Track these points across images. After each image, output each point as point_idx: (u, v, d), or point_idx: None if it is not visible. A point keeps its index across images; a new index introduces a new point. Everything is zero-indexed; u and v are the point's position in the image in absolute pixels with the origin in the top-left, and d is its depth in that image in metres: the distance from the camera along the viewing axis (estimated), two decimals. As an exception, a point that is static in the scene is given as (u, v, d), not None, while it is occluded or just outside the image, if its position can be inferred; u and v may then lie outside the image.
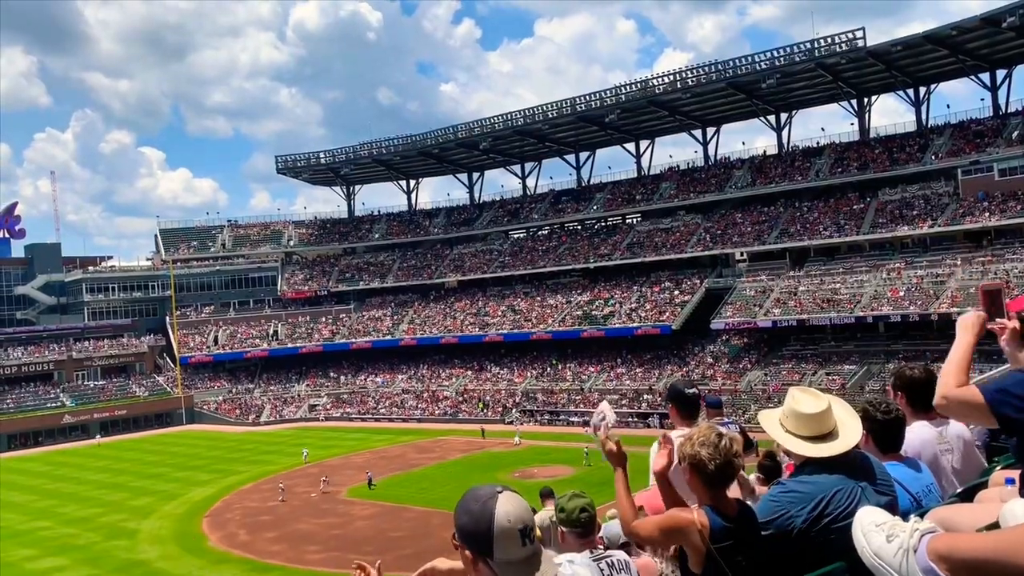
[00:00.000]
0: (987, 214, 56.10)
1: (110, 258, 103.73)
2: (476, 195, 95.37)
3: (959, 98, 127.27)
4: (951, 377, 2.58)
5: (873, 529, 2.02)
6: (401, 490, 44.56)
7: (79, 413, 76.41)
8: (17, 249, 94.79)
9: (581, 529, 3.60)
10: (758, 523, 2.78)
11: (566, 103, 75.82)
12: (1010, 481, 2.73)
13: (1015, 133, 58.85)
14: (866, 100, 70.55)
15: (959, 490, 3.27)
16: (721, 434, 2.85)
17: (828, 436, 2.84)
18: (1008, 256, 54.07)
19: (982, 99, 64.98)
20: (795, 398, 2.93)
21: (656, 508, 3.95)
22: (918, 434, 3.54)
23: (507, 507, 2.07)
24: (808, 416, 2.85)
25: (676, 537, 2.82)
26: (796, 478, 2.84)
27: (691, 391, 4.82)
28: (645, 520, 3.06)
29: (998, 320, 3.44)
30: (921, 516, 2.17)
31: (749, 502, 4.45)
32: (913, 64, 62.92)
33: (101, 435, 73.58)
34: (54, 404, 77.40)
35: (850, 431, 2.88)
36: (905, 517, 2.88)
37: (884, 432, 3.28)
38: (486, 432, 60.46)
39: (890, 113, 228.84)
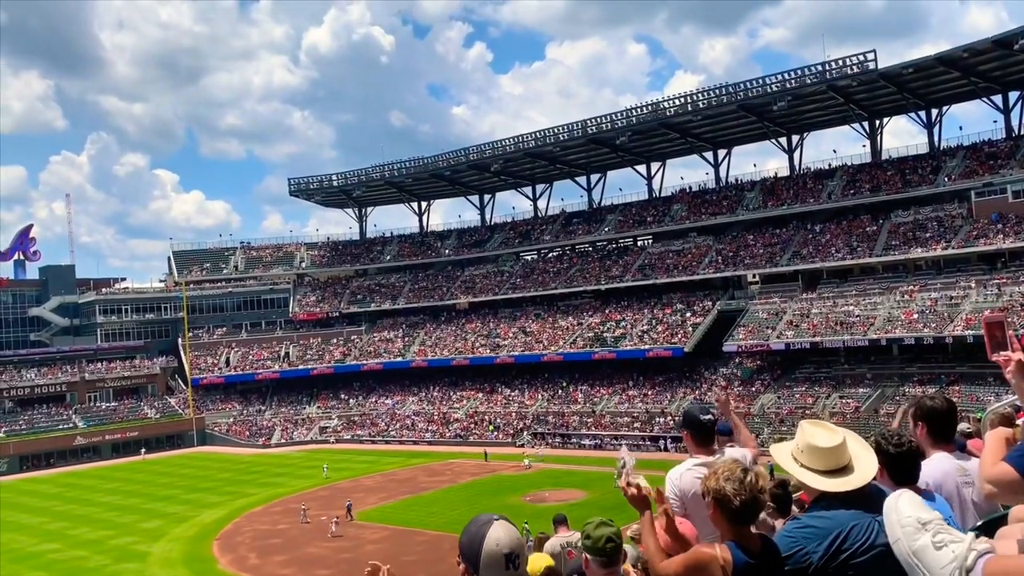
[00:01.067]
0: (1001, 236, 55.75)
1: (123, 280, 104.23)
2: (487, 217, 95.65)
3: (971, 120, 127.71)
4: (985, 467, 2.55)
5: (915, 526, 1.96)
6: (411, 514, 44.33)
7: (91, 435, 76.58)
8: (32, 271, 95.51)
9: (605, 559, 3.53)
10: (782, 558, 2.72)
11: (577, 125, 76.09)
12: None
13: (1028, 155, 58.58)
14: (878, 122, 70.50)
15: (979, 523, 3.20)
16: (747, 469, 2.81)
17: (844, 470, 2.80)
18: (1023, 278, 53.64)
19: (995, 121, 64.98)
20: (808, 432, 2.90)
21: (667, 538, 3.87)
22: (939, 466, 3.47)
23: (498, 533, 2.39)
24: (824, 450, 2.81)
25: (700, 573, 2.77)
26: (811, 513, 2.80)
27: (707, 417, 4.67)
28: (671, 560, 3.02)
29: (1002, 352, 3.39)
30: (978, 534, 2.11)
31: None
32: (925, 86, 62.87)
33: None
34: (66, 425, 77.61)
35: (866, 464, 2.85)
36: None
37: (898, 465, 3.23)
38: (489, 455, 60.29)
39: (902, 135, 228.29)
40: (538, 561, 4.52)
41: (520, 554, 2.40)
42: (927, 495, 3.27)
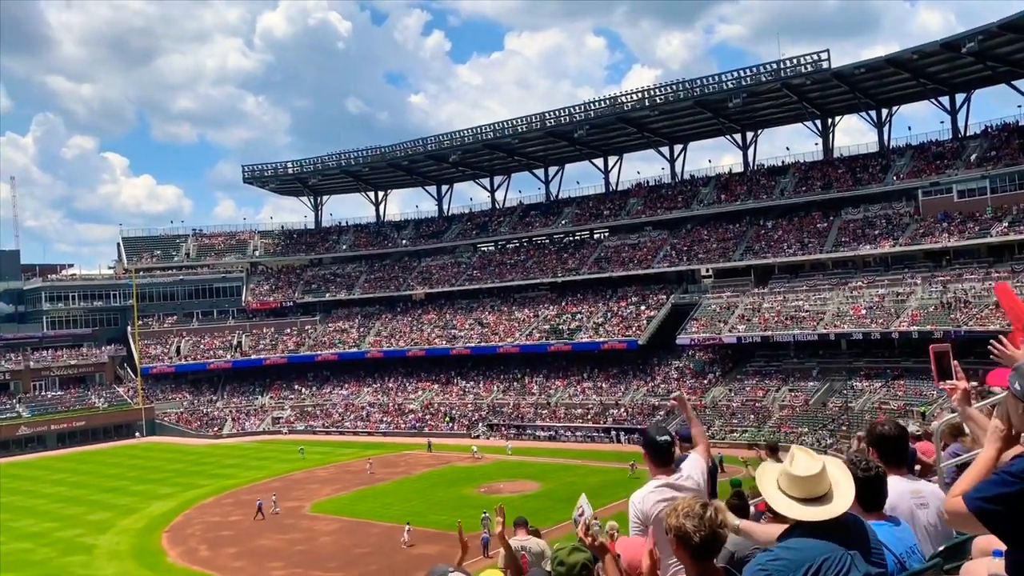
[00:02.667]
0: (946, 235, 57.26)
1: (71, 266, 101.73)
2: (445, 208, 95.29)
3: (920, 120, 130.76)
4: (955, 489, 2.61)
5: None
6: (365, 505, 44.18)
7: (36, 424, 74.77)
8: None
9: None
10: None
11: (535, 118, 76.20)
12: (997, 554, 2.74)
13: (973, 156, 60.24)
14: (830, 120, 71.81)
15: (940, 549, 3.29)
16: (706, 504, 2.84)
17: (822, 499, 2.81)
18: (966, 276, 55.21)
19: (942, 122, 66.52)
20: (792, 457, 2.91)
21: (630, 557, 3.96)
22: (893, 487, 3.56)
23: None
24: (800, 478, 2.81)
25: None
26: (783, 544, 2.81)
27: (663, 439, 4.63)
28: None
29: (948, 381, 3.50)
30: (941, 562, 2.16)
31: (731, 541, 4.49)
32: (876, 86, 64.20)
33: (140, 434, 76.08)
34: (10, 415, 75.62)
35: (844, 493, 2.84)
36: None
37: (865, 490, 3.24)
38: (434, 446, 60.67)
39: (853, 133, 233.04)
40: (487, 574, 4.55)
41: None
42: (892, 520, 3.36)
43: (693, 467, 4.58)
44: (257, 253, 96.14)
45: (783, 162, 73.88)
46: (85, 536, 41.14)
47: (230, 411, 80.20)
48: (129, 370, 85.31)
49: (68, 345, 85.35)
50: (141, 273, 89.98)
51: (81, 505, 48.67)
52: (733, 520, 3.94)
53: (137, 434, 76.70)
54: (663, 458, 4.61)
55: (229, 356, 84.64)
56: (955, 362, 3.60)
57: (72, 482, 57.00)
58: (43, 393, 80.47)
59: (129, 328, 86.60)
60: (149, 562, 36.02)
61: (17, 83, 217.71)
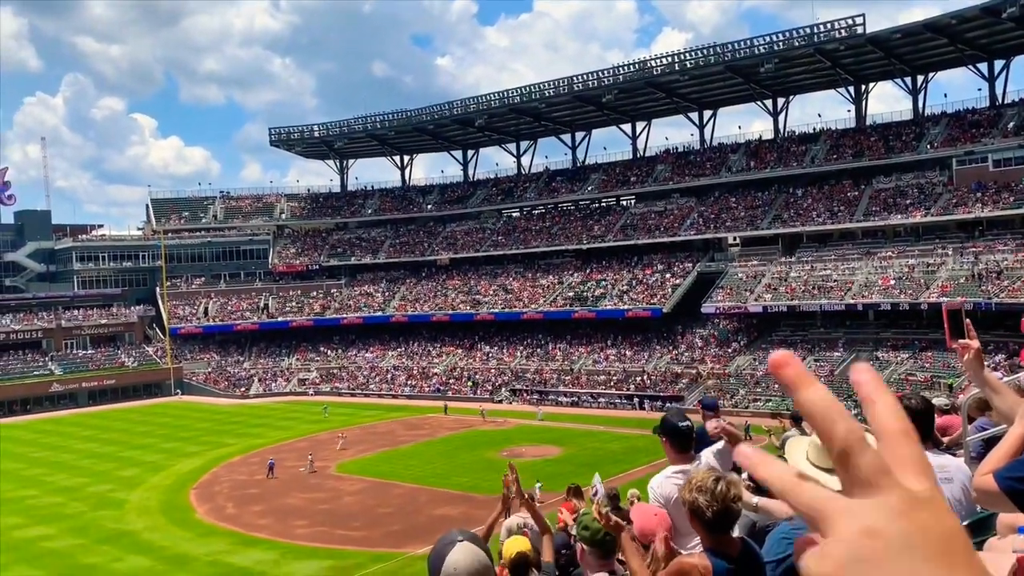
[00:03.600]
0: (980, 205, 56.23)
1: (101, 226, 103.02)
2: (470, 172, 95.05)
3: (956, 87, 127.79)
4: (984, 466, 2.54)
5: None
6: (388, 466, 44.72)
7: (67, 382, 76.26)
8: (7, 215, 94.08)
9: (601, 550, 3.59)
10: (762, 562, 2.76)
11: (563, 82, 75.44)
12: (1023, 530, 2.69)
13: (1011, 124, 58.91)
14: (864, 87, 70.45)
15: (964, 524, 3.23)
16: (719, 478, 2.83)
17: None
18: (999, 247, 54.26)
19: (979, 89, 65.18)
20: None
21: (641, 525, 3.96)
22: None
23: (457, 556, 2.39)
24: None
25: None
26: None
27: (684, 424, 4.62)
28: None
29: (960, 340, 3.43)
30: None
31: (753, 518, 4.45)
32: (912, 52, 62.77)
33: (181, 392, 77.37)
34: (42, 372, 77.19)
35: None
36: None
37: None
38: (454, 410, 60.99)
39: (887, 100, 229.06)
40: (512, 545, 4.59)
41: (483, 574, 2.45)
42: None
43: (711, 456, 4.54)
44: (284, 216, 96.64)
45: (814, 129, 72.72)
46: (116, 491, 42.04)
47: (257, 372, 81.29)
48: (158, 330, 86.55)
49: (98, 305, 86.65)
50: (169, 234, 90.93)
51: (111, 461, 49.70)
52: (750, 498, 3.91)
53: (179, 392, 78.10)
54: (683, 444, 4.59)
55: (256, 318, 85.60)
56: (968, 321, 3.51)
57: (103, 439, 58.18)
58: (74, 351, 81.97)
59: (157, 289, 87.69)
60: (177, 518, 36.78)
61: (47, 43, 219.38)
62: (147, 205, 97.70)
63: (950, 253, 56.05)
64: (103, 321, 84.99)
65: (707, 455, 4.59)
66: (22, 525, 36.55)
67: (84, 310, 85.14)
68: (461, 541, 2.43)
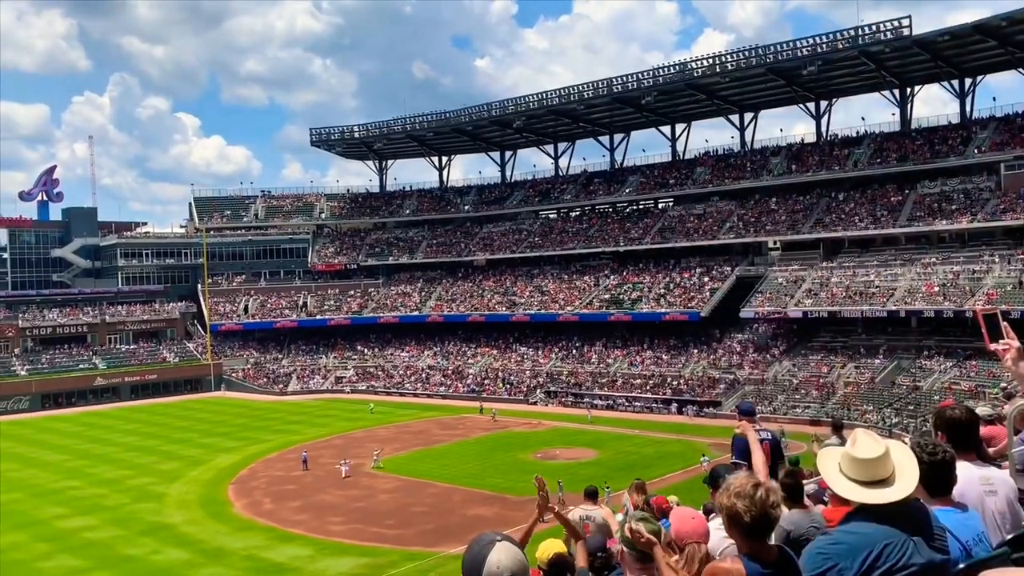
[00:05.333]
0: (1029, 211, 54.84)
1: (144, 224, 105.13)
2: (508, 174, 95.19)
3: (1006, 91, 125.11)
4: None
5: None
6: (423, 465, 44.92)
7: (111, 376, 77.83)
8: (55, 212, 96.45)
9: (639, 553, 3.58)
10: (798, 570, 2.71)
11: (602, 83, 75.18)
12: None
13: (1062, 129, 57.40)
14: (909, 90, 69.20)
15: (1008, 537, 3.14)
16: (758, 484, 2.79)
17: (883, 482, 2.72)
18: (1048, 255, 52.92)
19: (1030, 92, 63.39)
20: (854, 439, 2.82)
21: (677, 528, 3.92)
22: (961, 473, 3.40)
23: (499, 556, 2.39)
24: (862, 461, 2.73)
25: None
26: (843, 528, 2.72)
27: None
28: None
29: (1001, 341, 3.32)
30: (970, 568, 2.08)
31: (787, 520, 4.39)
32: (959, 54, 61.50)
33: (224, 388, 78.07)
34: (87, 366, 78.85)
35: (907, 478, 2.74)
36: (954, 566, 2.79)
37: (931, 475, 3.09)
38: (489, 410, 60.84)
39: (933, 103, 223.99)
40: (549, 547, 4.58)
41: (521, 574, 2.43)
42: (959, 506, 3.22)
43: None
44: (323, 215, 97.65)
45: (858, 132, 71.58)
46: (156, 484, 42.77)
47: (295, 369, 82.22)
48: (199, 326, 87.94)
49: (141, 301, 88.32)
50: (211, 232, 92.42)
51: (152, 455, 50.60)
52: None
53: (223, 387, 79.42)
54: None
55: (295, 316, 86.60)
56: (1005, 323, 3.44)
57: (144, 432, 59.27)
58: (118, 346, 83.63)
59: (199, 286, 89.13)
60: (216, 512, 37.31)
61: (95, 43, 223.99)
62: (190, 203, 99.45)
63: (997, 260, 54.80)
64: (146, 317, 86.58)
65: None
66: (65, 515, 37.37)
67: (128, 306, 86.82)
68: (500, 540, 2.43)
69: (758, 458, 5.37)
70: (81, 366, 78.67)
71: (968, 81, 66.10)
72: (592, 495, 8.05)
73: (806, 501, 5.26)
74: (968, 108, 66.20)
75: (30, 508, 38.92)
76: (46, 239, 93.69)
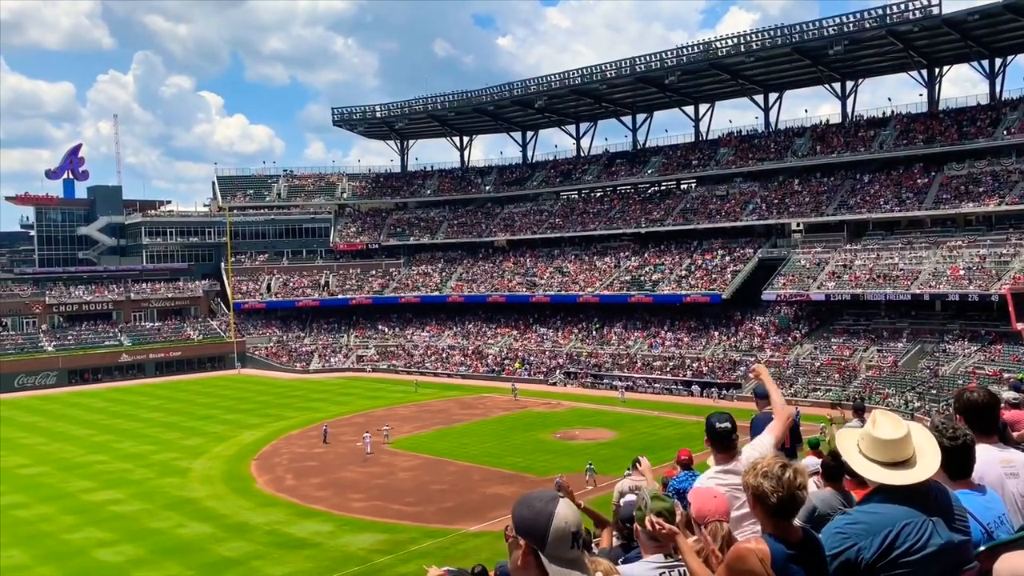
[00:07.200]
0: (1059, 194, 53.99)
1: (168, 202, 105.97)
2: (529, 154, 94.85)
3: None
4: None
5: None
6: (443, 444, 45.24)
7: (135, 352, 78.84)
8: (80, 190, 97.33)
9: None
10: (823, 550, 2.72)
11: (625, 63, 74.55)
12: None
13: (1095, 110, 56.31)
14: (937, 70, 68.05)
15: None
16: (786, 465, 2.79)
17: (904, 464, 2.72)
18: (1078, 238, 52.11)
19: (1062, 73, 62.20)
20: (874, 420, 2.83)
21: (699, 507, 3.96)
22: (981, 456, 3.41)
23: (565, 511, 2.35)
24: (884, 442, 2.73)
25: (742, 570, 2.80)
26: (862, 508, 2.74)
27: (722, 425, 4.67)
28: (717, 572, 3.09)
29: None
30: (991, 550, 2.10)
31: (816, 497, 4.41)
32: (990, 34, 60.36)
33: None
34: (112, 343, 79.89)
35: (928, 460, 2.76)
36: (976, 548, 2.80)
37: (951, 458, 3.10)
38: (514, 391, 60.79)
39: (962, 84, 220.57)
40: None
41: (582, 532, 2.41)
42: (979, 489, 3.23)
43: (753, 453, 4.52)
44: (345, 195, 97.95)
45: (884, 113, 70.57)
46: (180, 460, 43.42)
47: (317, 348, 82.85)
48: (222, 304, 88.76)
49: (166, 279, 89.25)
50: (234, 211, 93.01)
51: (176, 431, 51.32)
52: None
53: (239, 365, 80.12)
54: (723, 444, 4.67)
55: (317, 295, 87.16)
56: None
57: (169, 408, 60.08)
58: (142, 323, 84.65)
59: (222, 264, 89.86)
60: (239, 487, 37.83)
61: (119, 21, 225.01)
62: (213, 182, 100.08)
63: (1025, 243, 54.01)
64: (170, 295, 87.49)
65: (747, 452, 4.59)
66: (92, 489, 38.05)
67: (152, 283, 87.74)
68: (562, 498, 2.39)
69: (776, 399, 5.21)
70: (107, 343, 79.73)
71: (999, 61, 64.92)
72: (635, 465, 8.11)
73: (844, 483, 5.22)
74: (998, 88, 65.07)
75: (58, 481, 39.67)
76: (72, 217, 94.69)
